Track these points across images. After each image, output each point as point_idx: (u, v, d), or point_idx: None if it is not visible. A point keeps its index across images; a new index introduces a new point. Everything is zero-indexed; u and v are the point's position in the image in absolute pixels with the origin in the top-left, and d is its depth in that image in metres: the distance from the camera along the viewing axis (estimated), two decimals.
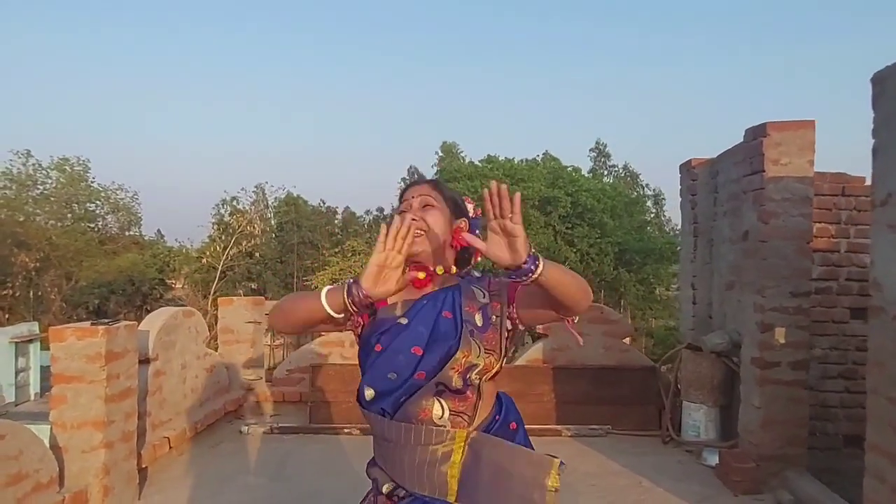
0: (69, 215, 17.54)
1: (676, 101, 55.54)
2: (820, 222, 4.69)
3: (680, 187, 5.99)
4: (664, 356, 6.40)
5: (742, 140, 4.53)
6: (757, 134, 4.26)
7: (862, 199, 4.78)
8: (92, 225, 18.31)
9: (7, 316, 14.10)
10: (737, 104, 53.91)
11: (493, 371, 1.51)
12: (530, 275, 1.30)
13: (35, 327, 6.86)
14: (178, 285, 16.42)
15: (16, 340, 6.34)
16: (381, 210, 23.26)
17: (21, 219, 15.83)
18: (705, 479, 4.31)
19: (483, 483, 1.44)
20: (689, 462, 4.71)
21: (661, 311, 16.52)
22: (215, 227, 16.03)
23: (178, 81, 55.77)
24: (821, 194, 4.65)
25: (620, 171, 27.80)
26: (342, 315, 1.40)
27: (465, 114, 51.46)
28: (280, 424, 5.43)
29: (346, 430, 5.32)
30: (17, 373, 6.30)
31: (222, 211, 17.58)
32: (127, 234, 19.41)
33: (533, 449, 1.55)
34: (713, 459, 4.53)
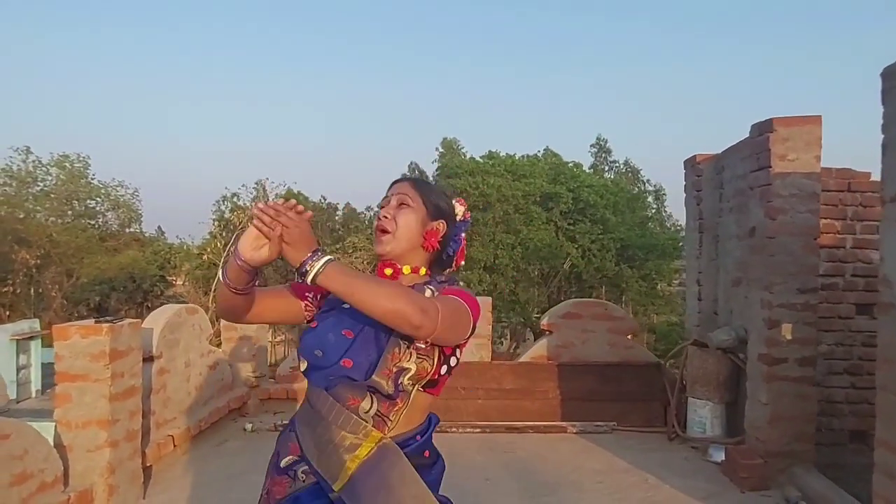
0: (69, 212, 17.49)
1: (677, 96, 55.45)
2: (826, 218, 4.65)
3: (684, 183, 5.97)
4: (667, 352, 6.40)
5: (748, 136, 4.51)
6: (763, 129, 4.23)
7: (868, 195, 4.76)
8: (92, 222, 18.25)
9: (8, 313, 14.08)
10: (737, 100, 53.82)
11: (427, 378, 1.47)
12: (306, 276, 1.31)
13: (36, 324, 6.84)
14: (179, 282, 16.38)
15: (17, 338, 6.32)
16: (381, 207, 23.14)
17: (21, 216, 15.79)
18: (712, 476, 4.29)
19: (367, 490, 1.42)
20: (694, 459, 4.70)
21: (663, 306, 16.49)
22: (216, 223, 15.97)
23: (178, 78, 55.65)
24: (826, 190, 4.62)
25: (621, 166, 27.71)
26: (239, 287, 1.41)
27: (465, 110, 51.33)
28: (284, 422, 5.41)
29: None
30: (18, 370, 6.28)
31: (223, 207, 17.53)
32: (127, 230, 19.35)
33: (436, 490, 1.54)
34: (719, 456, 4.52)
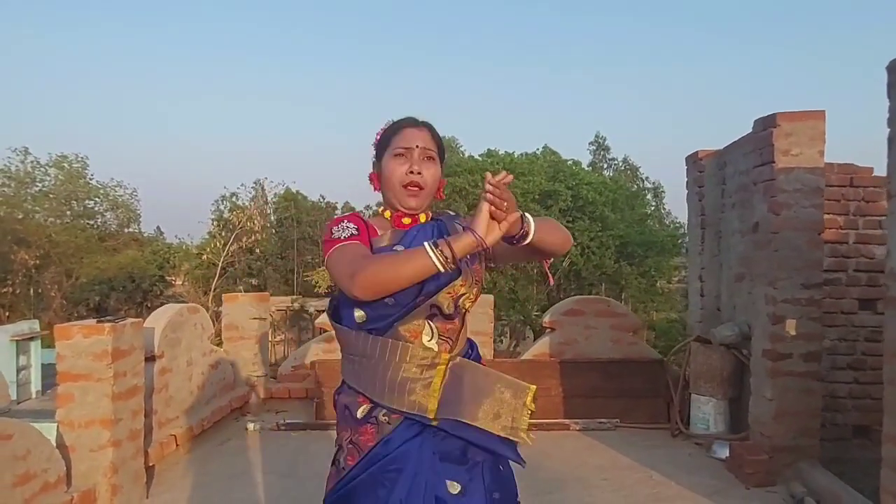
0: (68, 212, 17.46)
1: (676, 94, 55.42)
2: (828, 213, 4.64)
3: (686, 179, 5.95)
4: (668, 349, 6.38)
5: (751, 131, 4.49)
6: (767, 124, 4.22)
7: (870, 191, 4.75)
8: (91, 222, 18.22)
9: (7, 314, 14.05)
10: (737, 97, 53.81)
11: (475, 300, 1.60)
12: (522, 241, 1.43)
13: (36, 325, 6.82)
14: (179, 282, 16.35)
15: (17, 338, 6.30)
16: (380, 205, 23.12)
17: (20, 216, 15.76)
18: (716, 472, 4.28)
19: (463, 402, 1.49)
20: (698, 455, 4.69)
21: (662, 303, 16.46)
22: (215, 223, 15.95)
23: (176, 77, 55.52)
24: (829, 185, 4.61)
25: (620, 164, 27.68)
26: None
27: (463, 108, 51.28)
28: (287, 421, 5.40)
29: None
30: (18, 371, 6.26)
31: (222, 207, 17.51)
32: (126, 230, 19.32)
33: None
34: (723, 452, 4.51)
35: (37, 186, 16.87)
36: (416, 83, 54.27)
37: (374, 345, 1.50)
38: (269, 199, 18.25)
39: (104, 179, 18.71)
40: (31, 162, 16.60)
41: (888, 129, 3.01)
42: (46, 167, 16.90)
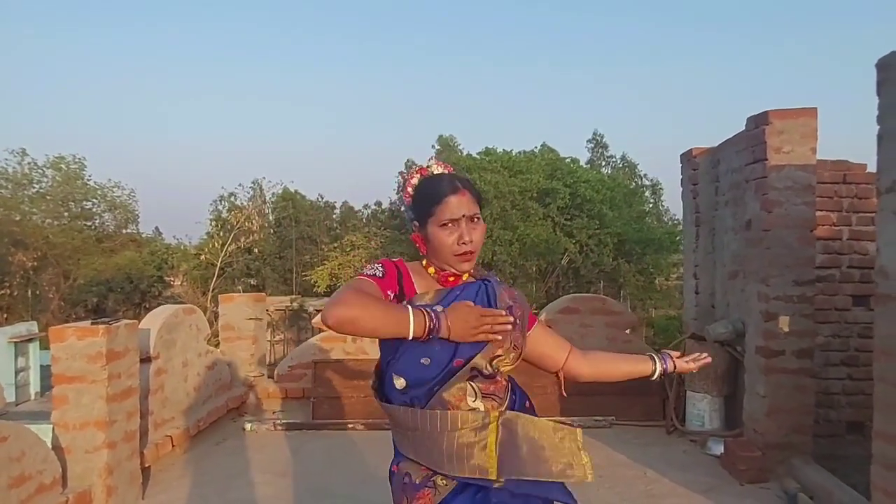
0: (66, 214, 17.47)
1: (674, 91, 55.38)
2: (821, 210, 4.66)
3: (681, 177, 5.96)
4: (666, 345, 6.38)
5: (743, 129, 4.51)
6: (759, 122, 4.23)
7: (863, 187, 4.77)
8: (89, 223, 18.24)
9: (5, 315, 14.06)
10: (734, 94, 53.77)
11: (512, 365, 1.61)
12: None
13: (34, 326, 6.83)
14: (177, 282, 16.36)
15: (15, 340, 6.31)
16: (378, 204, 23.10)
17: (18, 218, 15.78)
18: (711, 469, 4.30)
19: (522, 457, 1.50)
20: (693, 452, 4.70)
21: (660, 300, 16.49)
22: (213, 223, 15.97)
23: (174, 77, 55.45)
24: (822, 182, 4.62)
25: (618, 162, 27.69)
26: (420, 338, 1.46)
27: (461, 106, 51.21)
28: (283, 421, 5.42)
29: (350, 426, 5.30)
30: (16, 372, 6.27)
31: (220, 207, 17.55)
32: (124, 231, 19.34)
33: None
34: (718, 449, 4.53)
35: (34, 188, 16.90)
36: (414, 82, 54.24)
37: (424, 418, 1.50)
38: (267, 198, 18.25)
39: (102, 180, 18.74)
40: (29, 163, 16.62)
41: (878, 126, 3.02)
42: (44, 168, 16.92)
